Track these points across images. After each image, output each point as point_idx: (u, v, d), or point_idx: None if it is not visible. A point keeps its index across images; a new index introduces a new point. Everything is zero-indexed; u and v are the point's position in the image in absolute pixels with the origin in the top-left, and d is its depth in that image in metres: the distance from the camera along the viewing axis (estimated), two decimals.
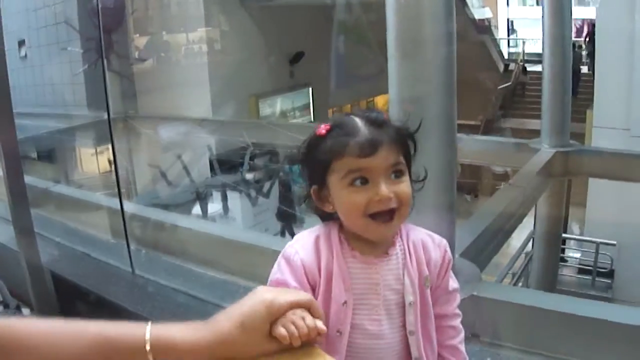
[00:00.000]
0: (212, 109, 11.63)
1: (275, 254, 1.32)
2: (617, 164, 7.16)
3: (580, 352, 4.04)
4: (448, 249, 1.44)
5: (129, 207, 7.79)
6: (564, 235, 9.12)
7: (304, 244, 1.32)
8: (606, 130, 8.74)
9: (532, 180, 6.66)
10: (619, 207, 8.30)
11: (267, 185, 10.83)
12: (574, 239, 9.99)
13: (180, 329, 1.00)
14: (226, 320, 1.00)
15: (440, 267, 1.42)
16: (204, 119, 10.98)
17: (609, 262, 9.17)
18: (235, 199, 10.48)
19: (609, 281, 9.17)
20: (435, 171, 4.05)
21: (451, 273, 1.45)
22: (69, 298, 3.12)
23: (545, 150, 7.12)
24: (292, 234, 11.21)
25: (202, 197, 9.88)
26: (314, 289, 1.29)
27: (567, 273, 9.55)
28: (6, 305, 3.01)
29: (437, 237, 1.43)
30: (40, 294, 3.13)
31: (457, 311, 1.49)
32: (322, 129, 1.26)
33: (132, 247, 8.34)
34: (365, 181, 1.22)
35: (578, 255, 10.04)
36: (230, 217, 10.87)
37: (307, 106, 14.89)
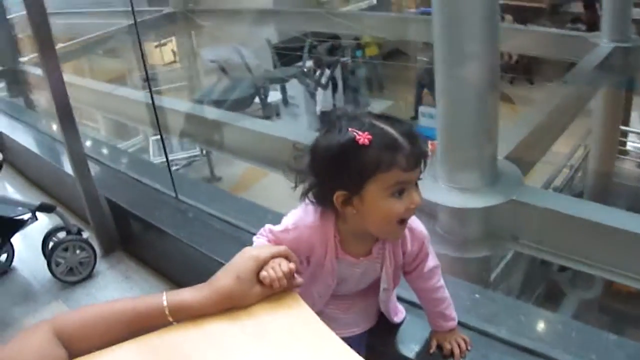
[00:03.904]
0: None
1: None
2: None
3: (617, 263, 4.12)
4: (427, 241, 1.53)
5: (185, 106, 8.08)
6: (624, 128, 8.88)
7: (298, 238, 1.42)
8: None
9: (587, 77, 6.50)
10: None
11: (325, 76, 10.76)
12: (635, 132, 9.66)
13: (190, 291, 1.22)
14: (224, 277, 1.22)
15: (415, 258, 1.54)
16: (263, 10, 10.95)
17: None
18: (294, 91, 10.51)
19: None
20: (476, 72, 4.10)
21: (431, 254, 1.56)
22: (125, 222, 3.37)
23: (604, 45, 6.91)
24: None
25: (261, 91, 9.96)
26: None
27: (628, 166, 9.33)
28: (68, 231, 3.29)
29: (418, 230, 1.50)
30: (98, 219, 3.36)
31: (439, 284, 1.60)
32: (365, 137, 1.23)
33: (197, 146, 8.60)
34: (402, 191, 1.29)
35: None
36: (291, 105, 10.97)
37: None
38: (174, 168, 10.29)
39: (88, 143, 4.07)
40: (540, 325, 1.86)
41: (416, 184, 1.32)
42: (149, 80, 3.52)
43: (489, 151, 4.45)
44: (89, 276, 3.25)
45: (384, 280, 1.54)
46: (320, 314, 1.56)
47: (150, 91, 3.54)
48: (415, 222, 1.48)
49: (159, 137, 9.79)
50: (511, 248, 4.93)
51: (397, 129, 1.28)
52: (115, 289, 3.14)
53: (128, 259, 3.37)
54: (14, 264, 3.45)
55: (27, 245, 3.51)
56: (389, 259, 1.50)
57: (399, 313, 1.79)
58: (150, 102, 6.69)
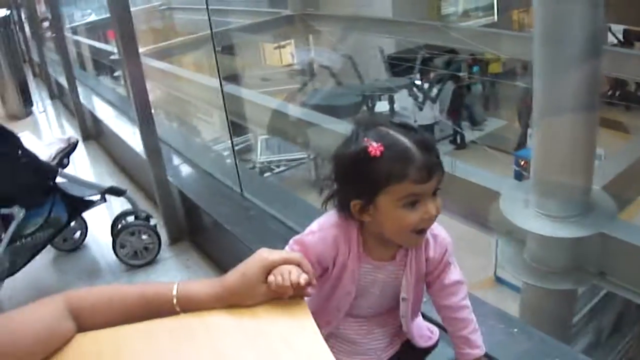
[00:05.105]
0: (393, 7, 11.50)
1: None
2: None
3: None
4: (449, 248, 1.48)
5: (294, 110, 8.22)
6: None
7: (324, 237, 1.41)
8: None
9: None
10: None
11: (435, 90, 10.70)
12: None
13: (199, 284, 1.24)
14: (232, 274, 1.24)
15: (438, 266, 1.48)
16: (381, 18, 10.97)
17: None
18: (402, 102, 10.44)
19: None
20: (575, 98, 3.94)
21: (453, 268, 1.50)
22: (195, 213, 3.45)
23: None
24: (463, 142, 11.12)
25: (369, 100, 9.97)
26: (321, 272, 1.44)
27: None
28: (137, 216, 3.41)
29: (441, 236, 1.47)
30: (167, 207, 3.48)
31: (463, 303, 1.52)
32: (376, 149, 1.24)
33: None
34: (416, 202, 1.28)
35: None
36: (399, 117, 10.89)
37: (490, 7, 14.26)
38: (280, 169, 10.54)
39: (171, 133, 4.19)
40: None
41: (434, 194, 1.29)
42: (220, 80, 3.56)
43: (582, 180, 4.29)
44: (152, 262, 3.34)
45: (403, 289, 1.48)
46: (337, 336, 1.55)
47: (222, 92, 3.60)
48: (438, 228, 1.45)
49: (267, 136, 10.07)
50: (597, 284, 4.71)
51: (412, 140, 1.26)
52: (174, 278, 3.19)
53: (193, 250, 3.44)
54: (87, 242, 3.61)
55: (102, 226, 3.66)
56: (409, 266, 1.45)
57: (431, 337, 1.67)
58: (266, 104, 6.90)
